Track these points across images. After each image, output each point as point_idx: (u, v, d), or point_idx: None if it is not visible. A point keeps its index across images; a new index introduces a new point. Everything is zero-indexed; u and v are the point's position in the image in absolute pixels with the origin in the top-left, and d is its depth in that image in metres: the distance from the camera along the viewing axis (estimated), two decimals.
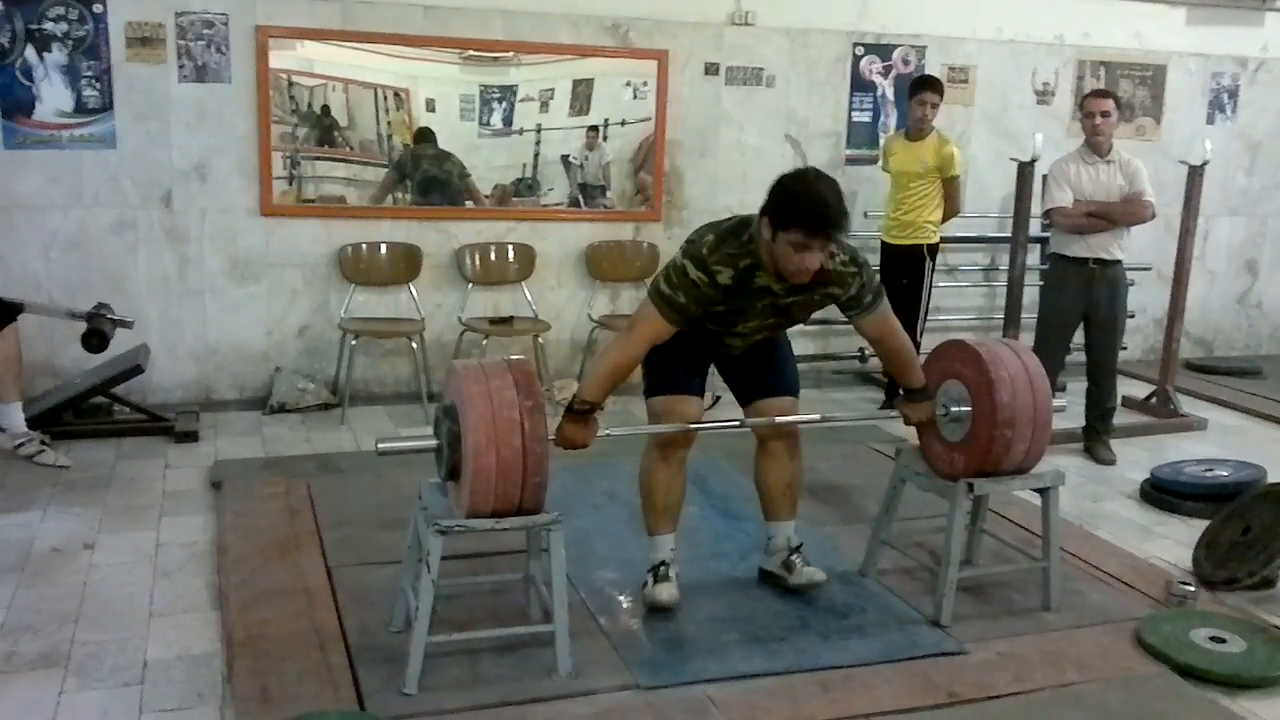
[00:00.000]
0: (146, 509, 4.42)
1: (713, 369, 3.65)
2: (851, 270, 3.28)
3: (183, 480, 4.78)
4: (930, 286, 6.22)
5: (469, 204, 6.29)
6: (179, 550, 4.01)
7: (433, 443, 3.08)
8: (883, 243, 6.30)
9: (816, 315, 3.63)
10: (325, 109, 5.94)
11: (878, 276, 3.46)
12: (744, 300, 3.30)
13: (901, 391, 3.63)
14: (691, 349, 3.48)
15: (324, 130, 5.97)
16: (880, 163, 6.48)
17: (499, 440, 2.87)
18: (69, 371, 5.56)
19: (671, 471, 3.55)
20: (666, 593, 3.53)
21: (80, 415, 5.36)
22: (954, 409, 3.51)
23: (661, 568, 3.58)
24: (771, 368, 3.63)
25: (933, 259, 6.17)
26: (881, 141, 6.69)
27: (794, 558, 3.69)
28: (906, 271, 6.13)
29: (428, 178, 6.20)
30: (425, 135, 6.15)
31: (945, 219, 6.18)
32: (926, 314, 6.28)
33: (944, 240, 6.29)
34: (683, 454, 3.56)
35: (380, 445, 3.06)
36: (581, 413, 3.25)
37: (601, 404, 3.29)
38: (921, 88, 6.10)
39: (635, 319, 3.38)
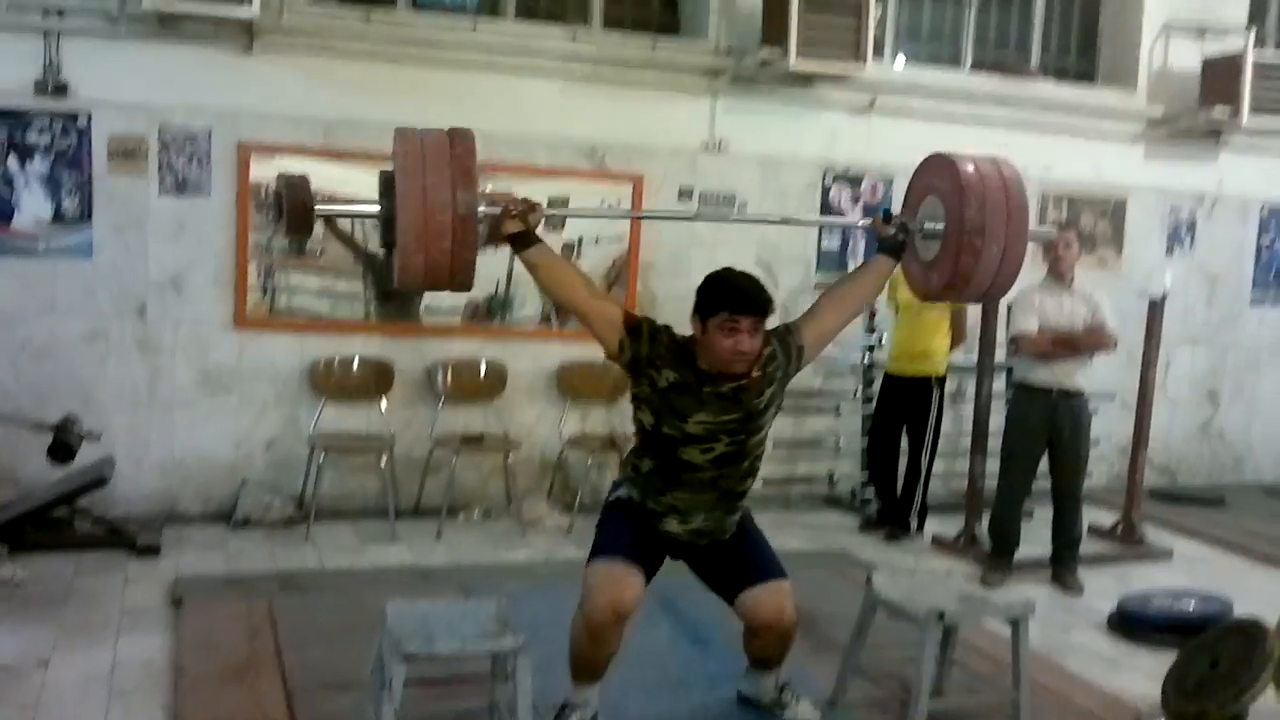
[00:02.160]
0: (104, 626, 4.33)
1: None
2: (770, 344, 3.32)
3: (142, 596, 4.69)
4: (940, 415, 6.26)
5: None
6: (136, 670, 3.92)
7: (373, 209, 3.08)
8: (888, 373, 6.37)
9: (784, 434, 3.62)
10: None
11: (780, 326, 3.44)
12: (689, 373, 3.24)
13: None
14: (648, 528, 3.38)
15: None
16: (887, 297, 6.56)
17: (428, 244, 2.90)
18: (31, 481, 5.47)
19: (601, 650, 3.33)
20: None
21: (41, 527, 5.26)
22: (928, 225, 3.45)
23: (564, 710, 3.42)
24: (751, 555, 3.47)
25: (940, 388, 6.23)
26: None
27: (785, 695, 3.66)
28: (915, 401, 6.19)
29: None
30: None
31: (952, 346, 6.27)
32: (936, 442, 6.30)
33: None
34: (616, 631, 3.28)
35: (318, 207, 3.08)
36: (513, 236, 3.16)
37: (535, 237, 3.18)
38: None
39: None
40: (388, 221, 3.01)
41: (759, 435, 3.38)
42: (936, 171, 3.51)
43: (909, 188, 3.69)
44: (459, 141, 2.99)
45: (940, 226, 3.42)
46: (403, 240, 2.91)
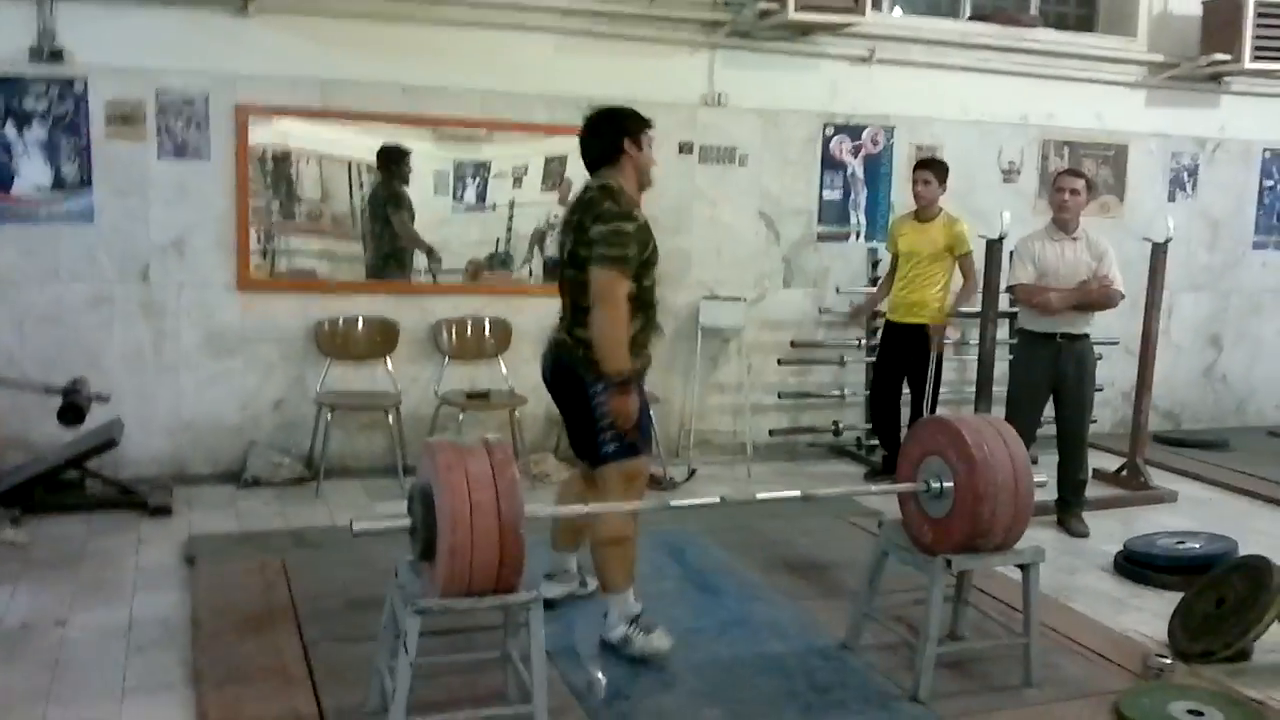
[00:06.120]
0: (119, 584, 4.36)
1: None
2: None
3: (156, 555, 4.72)
4: (940, 363, 6.28)
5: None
6: (153, 626, 3.96)
7: (407, 522, 3.03)
8: (888, 321, 6.38)
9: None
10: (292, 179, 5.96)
11: None
12: (645, 231, 3.68)
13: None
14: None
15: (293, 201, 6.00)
16: (887, 244, 6.58)
17: (475, 543, 2.84)
18: (41, 446, 5.50)
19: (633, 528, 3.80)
20: (665, 640, 3.73)
21: (52, 489, 5.29)
22: (935, 484, 3.53)
23: (644, 617, 3.76)
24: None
25: (939, 336, 6.24)
26: (868, 222, 6.91)
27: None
28: (913, 349, 6.20)
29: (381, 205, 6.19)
30: (390, 154, 6.12)
31: (967, 293, 6.24)
32: (938, 390, 6.31)
33: None
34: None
35: (356, 526, 2.98)
36: (626, 383, 3.56)
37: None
38: (917, 166, 6.28)
39: (604, 290, 3.55)
40: (427, 526, 2.92)
41: None
42: (943, 437, 3.56)
43: (904, 451, 3.75)
44: (496, 447, 2.97)
45: (948, 486, 3.51)
46: (447, 542, 2.84)
